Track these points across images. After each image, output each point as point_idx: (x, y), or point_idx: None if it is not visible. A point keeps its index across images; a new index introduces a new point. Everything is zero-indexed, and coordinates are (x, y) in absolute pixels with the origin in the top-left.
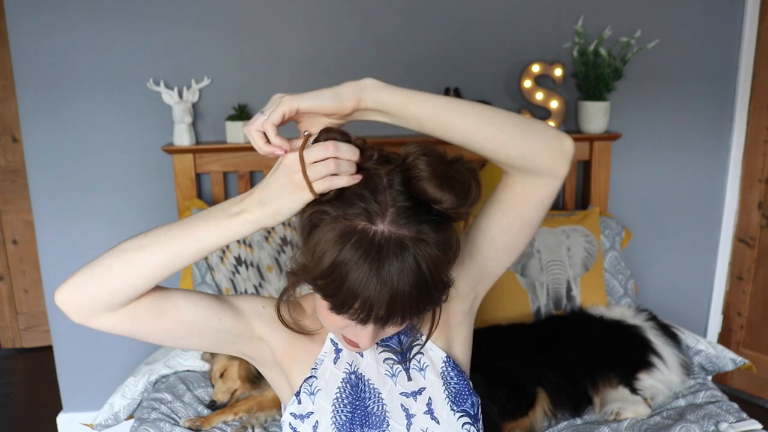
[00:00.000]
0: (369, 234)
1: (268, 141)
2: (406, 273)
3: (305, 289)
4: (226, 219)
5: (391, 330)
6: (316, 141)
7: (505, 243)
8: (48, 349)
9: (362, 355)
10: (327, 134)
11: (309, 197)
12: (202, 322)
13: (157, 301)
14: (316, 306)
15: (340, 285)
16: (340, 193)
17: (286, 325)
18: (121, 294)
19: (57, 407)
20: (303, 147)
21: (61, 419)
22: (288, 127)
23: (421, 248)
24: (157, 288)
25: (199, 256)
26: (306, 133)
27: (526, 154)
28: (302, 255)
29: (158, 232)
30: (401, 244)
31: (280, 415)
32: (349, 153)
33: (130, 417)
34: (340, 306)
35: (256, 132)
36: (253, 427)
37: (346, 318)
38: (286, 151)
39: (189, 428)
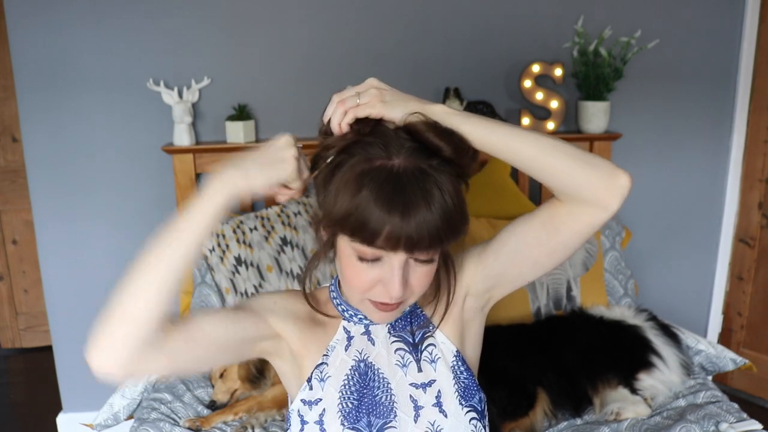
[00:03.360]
0: (388, 165)
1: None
2: (428, 193)
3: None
4: (200, 195)
5: (418, 271)
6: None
7: (535, 257)
8: (48, 349)
9: (374, 344)
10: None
11: (287, 173)
12: (229, 336)
13: (183, 330)
14: (344, 269)
15: (367, 214)
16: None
17: (307, 300)
18: (149, 318)
19: (57, 407)
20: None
21: (61, 419)
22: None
23: (438, 174)
24: (182, 321)
25: (194, 241)
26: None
27: (577, 184)
28: (323, 204)
29: (147, 246)
30: (420, 169)
31: (280, 416)
32: None
33: (130, 417)
34: (370, 236)
35: (342, 109)
36: (253, 427)
37: (376, 250)
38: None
39: (189, 428)
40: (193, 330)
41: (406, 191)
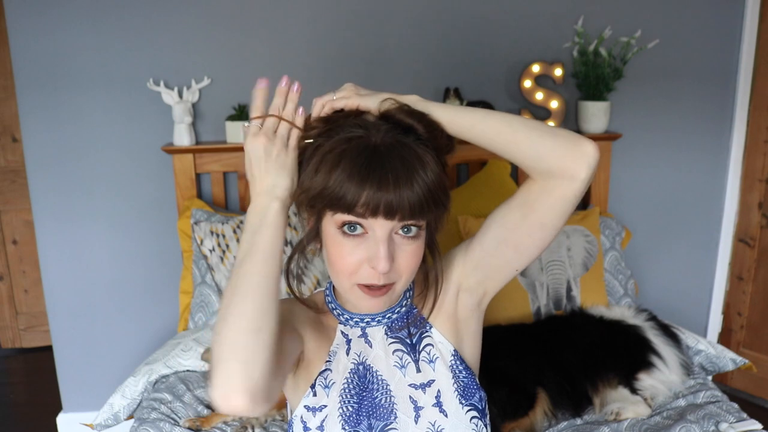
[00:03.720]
0: (366, 141)
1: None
2: (407, 162)
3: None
4: (267, 221)
5: (404, 250)
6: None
7: (516, 240)
8: (48, 349)
9: (371, 346)
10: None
11: (287, 146)
12: (293, 351)
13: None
14: (330, 253)
15: (347, 183)
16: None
17: (291, 289)
18: (269, 338)
19: (57, 407)
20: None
21: (61, 419)
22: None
23: (416, 146)
24: None
25: (279, 252)
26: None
27: (543, 155)
28: (303, 182)
29: (236, 275)
30: (398, 141)
31: (281, 415)
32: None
33: (130, 417)
34: (349, 203)
35: (320, 103)
36: (253, 427)
37: (358, 218)
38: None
39: (189, 428)
40: (281, 343)
41: (384, 159)
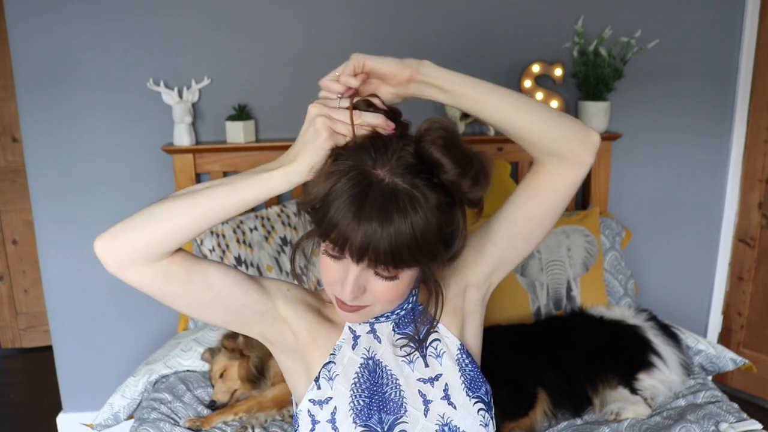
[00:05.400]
0: (367, 173)
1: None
2: (387, 213)
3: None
4: (266, 173)
5: (378, 284)
6: (355, 108)
7: (529, 230)
8: (48, 349)
9: (380, 342)
10: (366, 105)
11: (330, 143)
12: (228, 292)
13: (189, 264)
14: (320, 259)
15: (328, 208)
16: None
17: (297, 278)
18: (160, 241)
19: (57, 407)
20: (351, 104)
21: (61, 419)
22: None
23: (410, 198)
24: (191, 255)
25: (239, 208)
26: (341, 96)
27: (558, 138)
28: (306, 186)
29: (199, 186)
30: (394, 187)
31: (280, 416)
32: (373, 120)
33: (130, 417)
34: (325, 231)
35: (330, 81)
36: (253, 427)
37: (328, 247)
38: (355, 92)
39: (189, 428)
40: (198, 268)
41: (368, 202)
